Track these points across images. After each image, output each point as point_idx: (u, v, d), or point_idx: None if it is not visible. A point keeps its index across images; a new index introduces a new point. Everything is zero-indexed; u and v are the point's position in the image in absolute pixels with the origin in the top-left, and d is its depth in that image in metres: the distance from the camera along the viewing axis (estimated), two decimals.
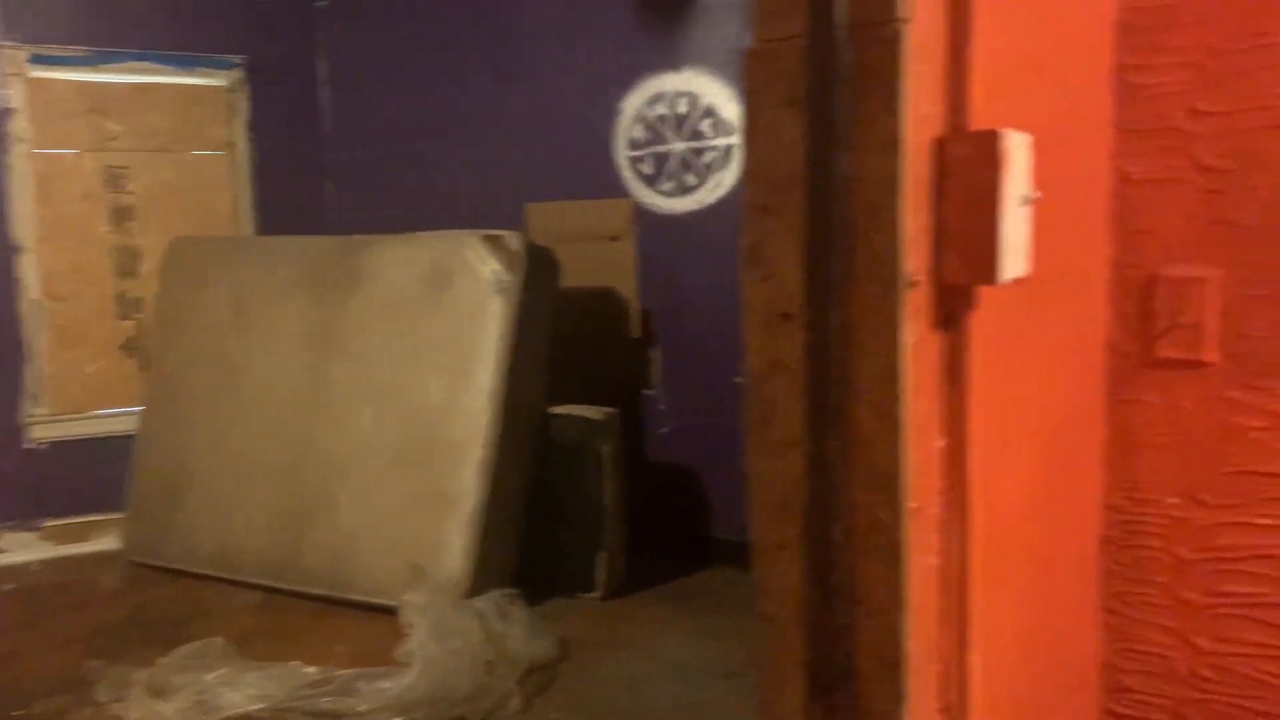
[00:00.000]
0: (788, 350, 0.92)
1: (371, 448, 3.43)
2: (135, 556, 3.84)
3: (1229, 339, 1.35)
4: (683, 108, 3.61)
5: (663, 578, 3.57)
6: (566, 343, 3.60)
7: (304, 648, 3.03)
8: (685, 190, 3.64)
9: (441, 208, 4.11)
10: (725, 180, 3.57)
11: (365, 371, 3.50)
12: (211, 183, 4.29)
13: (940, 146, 0.91)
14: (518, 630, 2.97)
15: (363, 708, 2.60)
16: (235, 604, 3.47)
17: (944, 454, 0.95)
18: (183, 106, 4.20)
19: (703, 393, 3.74)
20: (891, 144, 0.87)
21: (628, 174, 3.77)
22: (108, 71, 4.07)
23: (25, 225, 3.98)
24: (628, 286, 3.78)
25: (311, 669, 2.82)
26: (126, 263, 4.16)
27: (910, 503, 0.89)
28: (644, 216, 3.76)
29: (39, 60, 3.95)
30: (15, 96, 3.93)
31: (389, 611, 3.06)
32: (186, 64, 4.17)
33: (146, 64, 4.12)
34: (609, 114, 3.79)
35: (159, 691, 2.68)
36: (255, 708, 2.62)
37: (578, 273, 3.64)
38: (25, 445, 4.02)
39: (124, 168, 4.13)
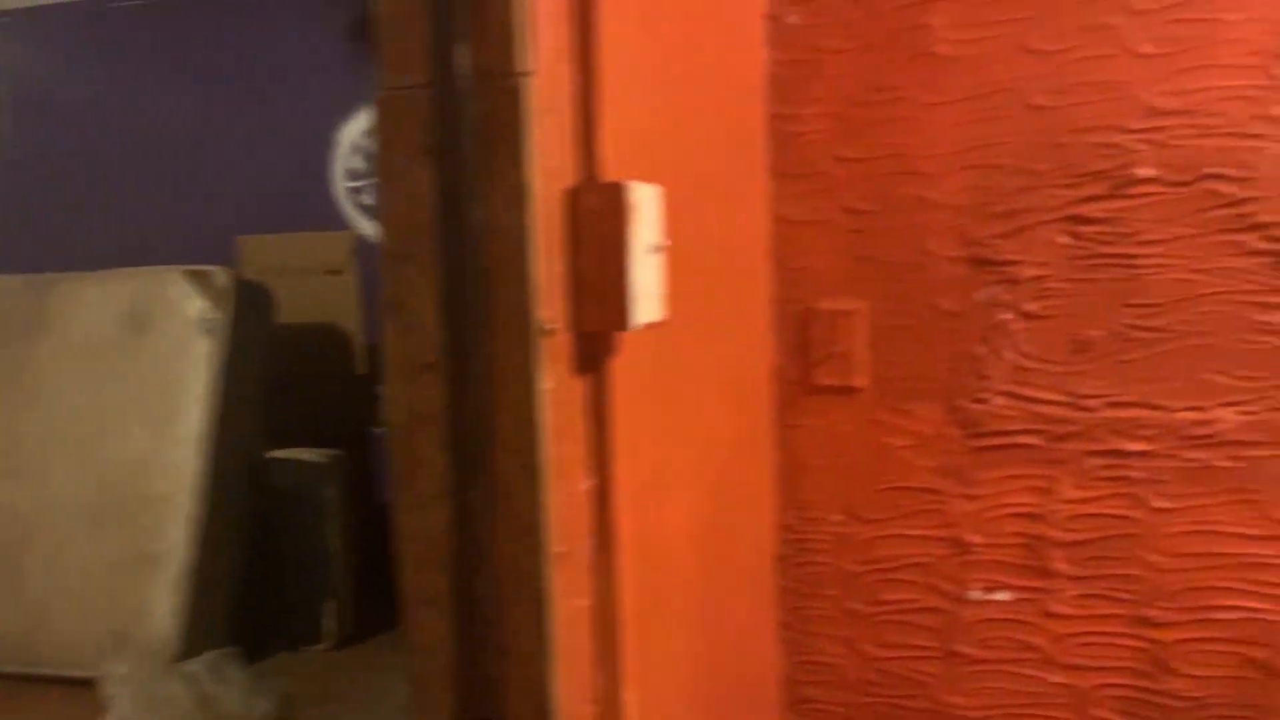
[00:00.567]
0: (430, 401, 0.91)
1: (65, 506, 3.11)
2: None
3: (876, 366, 1.47)
4: None
5: (397, 624, 3.45)
6: (286, 383, 3.42)
7: None
8: None
9: (142, 242, 3.82)
10: None
11: (58, 423, 3.17)
12: None
13: (572, 198, 0.93)
14: (234, 691, 2.79)
15: None
16: None
17: (592, 495, 0.97)
18: None
19: None
20: (520, 196, 0.88)
21: (347, 205, 3.66)
22: None
23: None
24: (351, 321, 3.65)
25: None
26: None
27: (556, 547, 0.90)
28: (366, 249, 3.65)
29: None
30: None
31: (88, 684, 2.78)
32: None
33: None
34: (325, 144, 3.66)
35: None
36: None
37: (297, 309, 3.48)
38: None
39: None
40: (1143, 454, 1.36)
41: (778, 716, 1.53)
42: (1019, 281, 1.40)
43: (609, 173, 0.95)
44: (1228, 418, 1.33)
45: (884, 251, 1.45)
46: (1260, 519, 1.32)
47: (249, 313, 3.16)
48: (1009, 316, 1.40)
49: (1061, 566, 1.41)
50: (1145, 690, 1.38)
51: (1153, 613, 1.37)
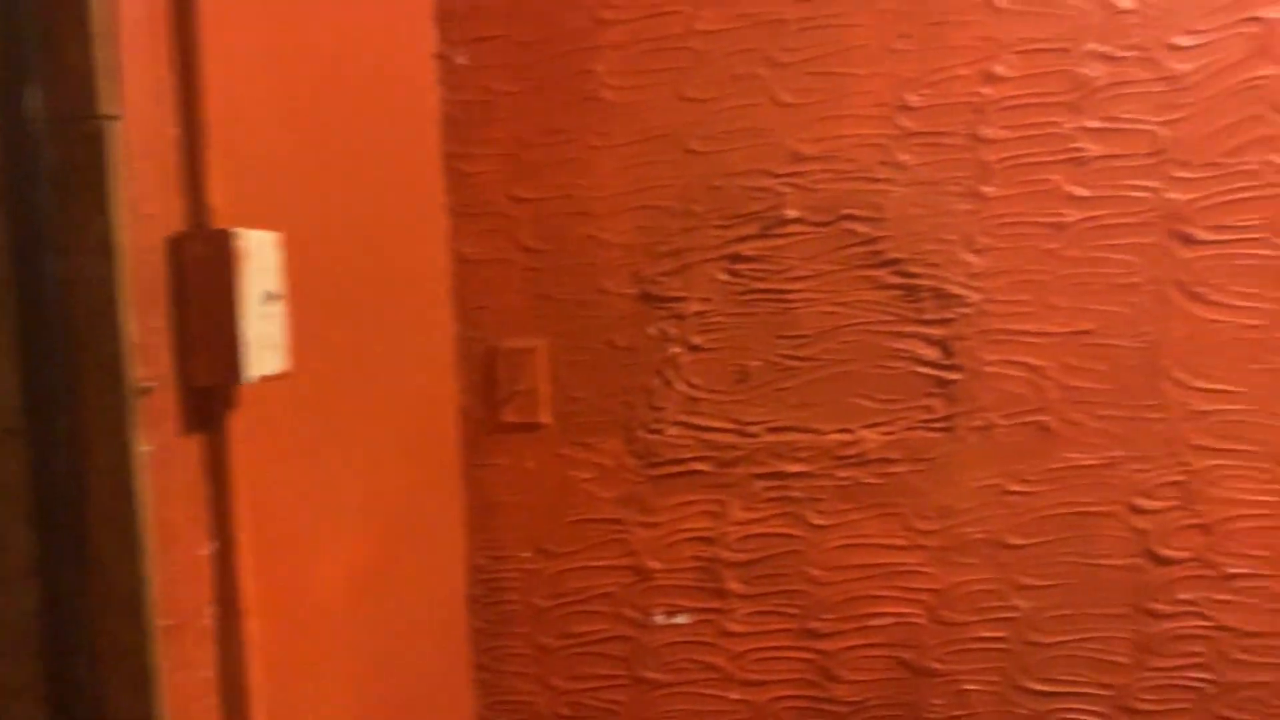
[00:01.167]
0: (10, 471, 0.83)
1: None
2: None
3: (559, 401, 1.49)
4: None
5: None
6: None
7: None
8: None
9: None
10: None
11: None
12: None
13: (176, 246, 0.88)
14: None
15: None
16: None
17: (214, 560, 0.92)
18: None
19: None
20: (106, 246, 0.82)
21: None
22: None
23: None
24: None
25: None
26: None
27: (164, 620, 0.85)
28: None
29: None
30: None
31: None
32: None
33: None
34: None
35: None
36: None
37: None
38: None
39: None
40: (801, 475, 1.45)
41: None
42: (685, 316, 1.46)
43: (219, 219, 0.91)
44: (871, 438, 1.44)
45: (561, 289, 1.48)
46: (903, 530, 1.44)
47: None
48: (678, 350, 1.46)
49: (735, 586, 1.48)
50: (814, 699, 1.47)
51: (817, 624, 1.47)
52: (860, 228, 1.42)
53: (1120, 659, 1.41)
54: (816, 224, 1.43)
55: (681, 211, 1.45)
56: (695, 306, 1.46)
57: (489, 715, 1.52)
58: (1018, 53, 1.37)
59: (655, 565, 1.49)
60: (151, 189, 0.86)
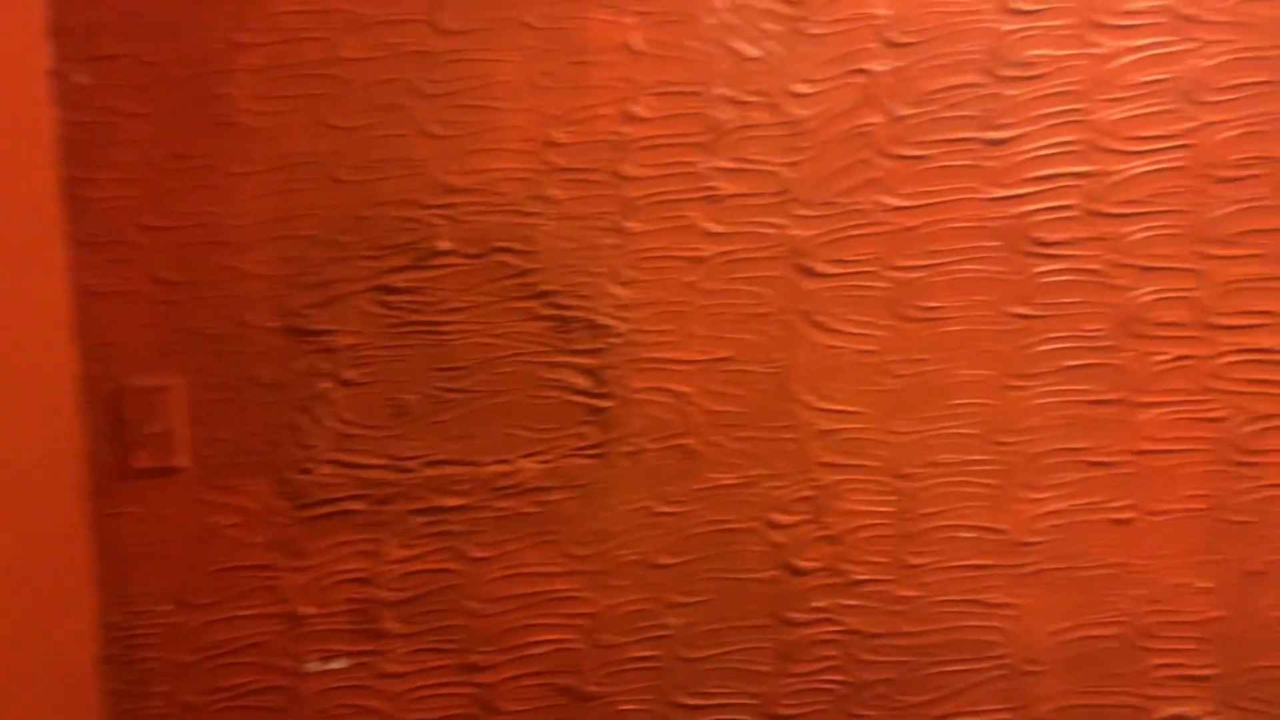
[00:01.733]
0: None
1: None
2: None
3: (199, 444, 1.41)
4: None
5: None
6: None
7: None
8: None
9: None
10: None
11: None
12: None
13: None
14: None
15: None
16: None
17: None
18: None
19: None
20: None
21: None
22: None
23: None
24: None
25: None
26: None
27: None
28: None
29: None
30: None
31: None
32: None
33: None
34: None
35: None
36: None
37: None
38: None
39: None
40: (460, 508, 1.45)
41: None
42: (336, 350, 1.42)
43: None
44: (529, 467, 1.45)
45: (199, 323, 1.40)
46: (560, 556, 1.46)
47: None
48: (328, 385, 1.42)
49: (393, 626, 1.45)
50: None
51: (477, 658, 1.46)
52: (513, 260, 1.44)
53: (763, 668, 1.49)
54: (469, 256, 1.43)
55: (328, 241, 1.41)
56: (346, 340, 1.42)
57: None
58: (654, 94, 1.44)
59: (308, 610, 1.43)
60: None
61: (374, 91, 1.41)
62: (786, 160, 1.46)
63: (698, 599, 1.48)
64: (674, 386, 1.46)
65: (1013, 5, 1.45)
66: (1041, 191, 1.47)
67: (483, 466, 1.45)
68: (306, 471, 1.42)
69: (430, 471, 1.44)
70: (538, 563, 1.46)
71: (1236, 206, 1.48)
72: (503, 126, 1.43)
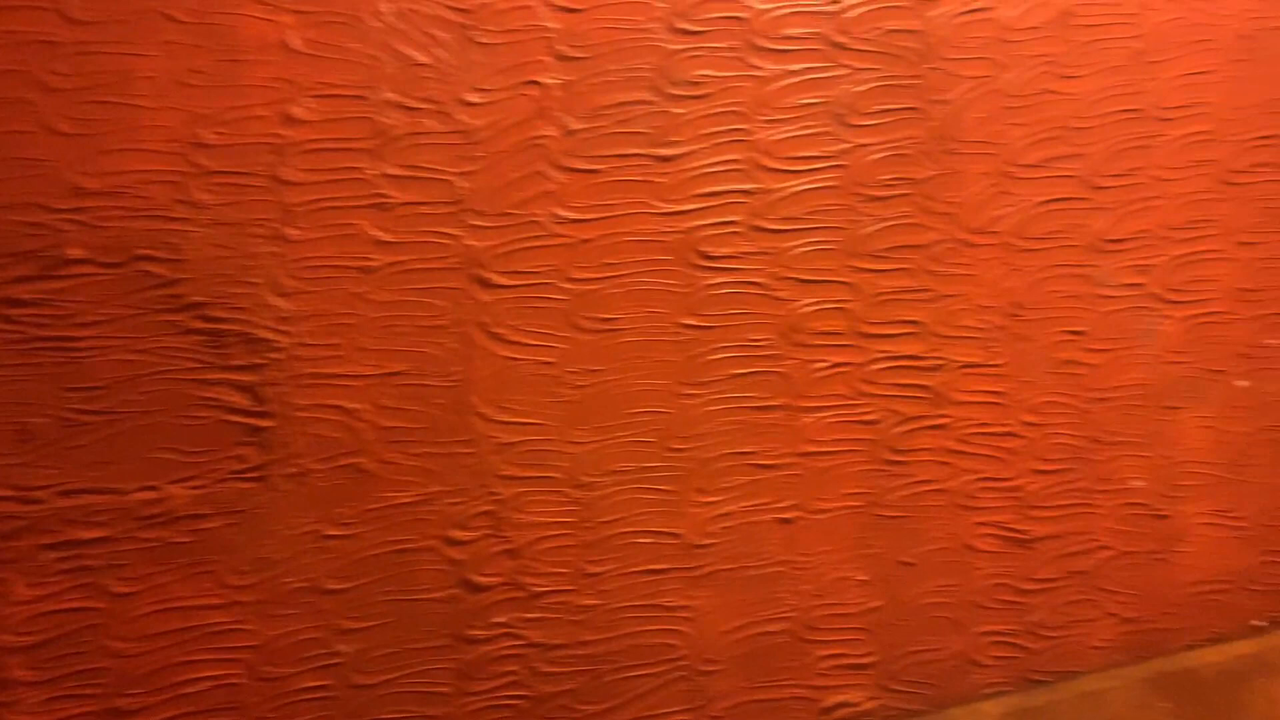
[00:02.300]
0: None
1: None
2: None
3: None
4: None
5: None
6: None
7: None
8: None
9: None
10: None
11: None
12: None
13: None
14: None
15: None
16: None
17: None
18: None
19: None
20: None
21: None
22: None
23: None
24: None
25: None
26: None
27: None
28: None
29: None
30: None
31: None
32: None
33: None
34: None
35: None
36: None
37: None
38: None
39: None
40: (100, 540, 1.32)
41: None
42: None
43: None
44: (179, 493, 1.35)
45: None
46: (218, 588, 1.37)
47: None
48: None
49: (22, 674, 1.30)
50: None
51: (124, 701, 1.34)
52: (157, 269, 1.33)
53: (444, 688, 1.45)
54: (106, 265, 1.31)
55: None
56: None
57: None
58: (316, 96, 1.38)
59: None
60: None
61: None
62: (460, 170, 1.43)
63: (372, 623, 1.42)
64: (342, 403, 1.40)
65: (679, 25, 1.50)
66: (709, 207, 1.52)
67: (126, 495, 1.33)
68: None
69: (65, 502, 1.31)
70: (191, 595, 1.36)
71: (884, 224, 1.59)
72: (143, 125, 1.32)
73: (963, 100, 1.62)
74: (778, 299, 1.55)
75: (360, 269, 1.40)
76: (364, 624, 1.42)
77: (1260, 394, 1.80)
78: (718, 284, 1.53)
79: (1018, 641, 1.68)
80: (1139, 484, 1.73)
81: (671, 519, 1.53)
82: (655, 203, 1.50)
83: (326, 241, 1.39)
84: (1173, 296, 1.74)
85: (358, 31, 1.39)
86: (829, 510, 1.58)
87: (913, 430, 1.61)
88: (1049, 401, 1.68)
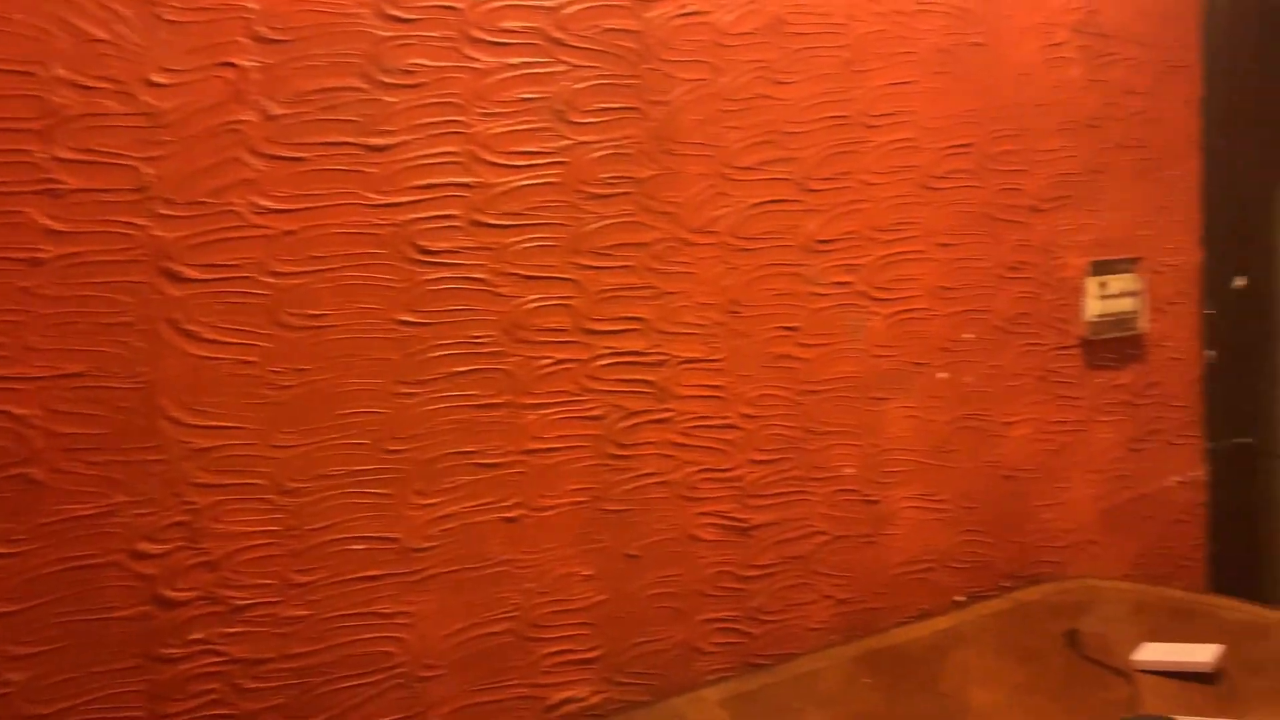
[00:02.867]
0: None
1: None
2: None
3: None
4: None
5: None
6: None
7: None
8: None
9: None
10: None
11: None
12: None
13: None
14: None
15: None
16: None
17: None
18: None
19: None
20: None
21: None
22: None
23: None
24: None
25: None
26: None
27: None
28: None
29: None
30: None
31: None
32: None
33: None
34: None
35: None
36: None
37: None
38: None
39: None
40: None
41: None
42: None
43: None
44: None
45: None
46: None
47: None
48: None
49: None
50: None
51: None
52: None
53: (135, 713, 1.35)
54: None
55: None
56: None
57: None
58: None
59: None
60: None
61: None
62: (146, 155, 1.33)
63: (46, 648, 1.30)
64: (10, 408, 1.27)
65: (390, 11, 1.45)
66: (425, 200, 1.48)
67: None
68: None
69: None
70: None
71: (607, 222, 1.61)
72: None
73: (681, 102, 1.66)
74: (500, 295, 1.53)
75: (28, 261, 1.28)
76: (37, 649, 1.29)
77: (958, 385, 1.94)
78: (436, 279, 1.49)
79: (739, 627, 1.73)
80: (850, 471, 1.83)
81: (388, 523, 1.48)
82: (367, 194, 1.45)
83: None
84: (878, 294, 1.85)
85: (23, 1, 1.26)
86: (554, 507, 1.58)
87: (637, 425, 1.64)
88: (765, 394, 1.74)
